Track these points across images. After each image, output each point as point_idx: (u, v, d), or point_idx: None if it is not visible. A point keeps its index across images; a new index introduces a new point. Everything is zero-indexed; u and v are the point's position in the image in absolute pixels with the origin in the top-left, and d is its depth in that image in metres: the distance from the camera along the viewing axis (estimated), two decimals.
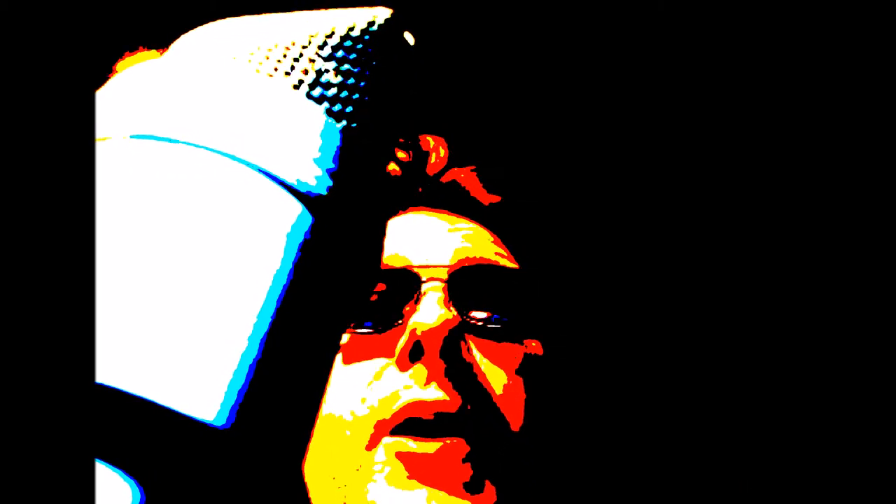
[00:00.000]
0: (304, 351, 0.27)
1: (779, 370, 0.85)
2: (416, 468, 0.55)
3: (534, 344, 0.62)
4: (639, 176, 0.89)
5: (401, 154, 0.65)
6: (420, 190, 0.65)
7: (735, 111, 0.87)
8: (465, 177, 0.65)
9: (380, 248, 0.31)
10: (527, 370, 0.60)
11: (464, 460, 0.55)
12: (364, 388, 0.57)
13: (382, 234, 0.31)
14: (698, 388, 0.86)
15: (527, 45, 0.89)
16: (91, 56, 0.26)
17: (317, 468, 0.58)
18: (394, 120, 0.31)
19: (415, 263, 0.60)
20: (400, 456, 0.55)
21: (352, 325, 0.59)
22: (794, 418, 0.84)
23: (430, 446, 0.55)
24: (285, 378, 0.26)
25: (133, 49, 0.56)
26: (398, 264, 0.60)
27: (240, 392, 0.24)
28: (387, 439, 0.56)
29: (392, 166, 0.65)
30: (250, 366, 0.24)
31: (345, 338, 0.59)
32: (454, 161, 0.66)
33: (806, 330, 0.85)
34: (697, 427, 0.85)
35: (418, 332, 0.56)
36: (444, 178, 0.66)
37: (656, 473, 0.84)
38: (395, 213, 0.65)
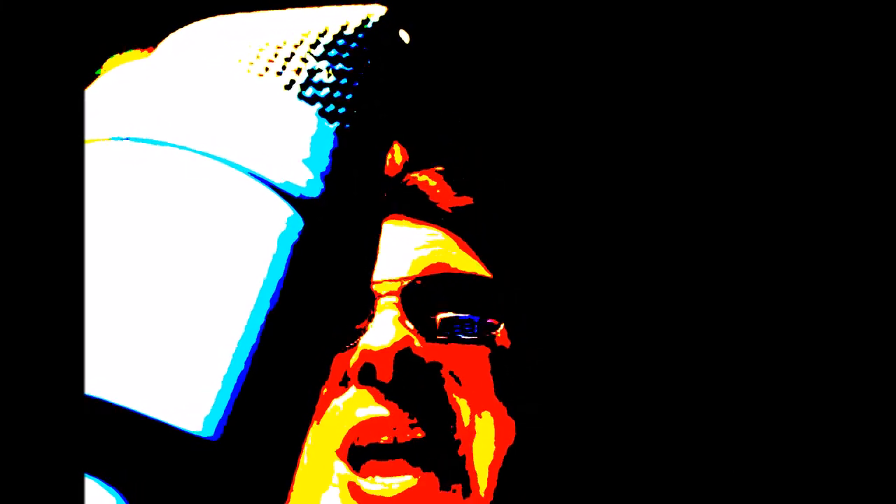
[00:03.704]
0: (296, 360, 0.26)
1: (746, 358, 0.85)
2: None
3: (500, 334, 0.60)
4: (607, 176, 0.89)
5: None
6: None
7: (702, 111, 0.87)
8: (427, 179, 0.64)
9: (374, 254, 0.31)
10: (495, 369, 0.59)
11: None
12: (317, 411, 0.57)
13: (377, 238, 0.31)
14: (674, 387, 0.86)
15: (496, 45, 0.89)
16: (79, 56, 0.25)
17: None
18: (389, 121, 0.30)
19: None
20: (356, 497, 0.55)
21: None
22: (759, 409, 0.84)
23: (388, 491, 0.55)
24: (276, 388, 0.25)
25: (121, 48, 0.55)
26: None
27: (229, 402, 0.24)
28: (340, 468, 0.56)
29: None
30: (239, 376, 0.24)
31: None
32: (413, 164, 0.64)
33: (762, 324, 0.85)
34: (673, 426, 0.85)
35: (368, 354, 0.55)
36: (403, 183, 0.64)
37: (634, 472, 0.84)
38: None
